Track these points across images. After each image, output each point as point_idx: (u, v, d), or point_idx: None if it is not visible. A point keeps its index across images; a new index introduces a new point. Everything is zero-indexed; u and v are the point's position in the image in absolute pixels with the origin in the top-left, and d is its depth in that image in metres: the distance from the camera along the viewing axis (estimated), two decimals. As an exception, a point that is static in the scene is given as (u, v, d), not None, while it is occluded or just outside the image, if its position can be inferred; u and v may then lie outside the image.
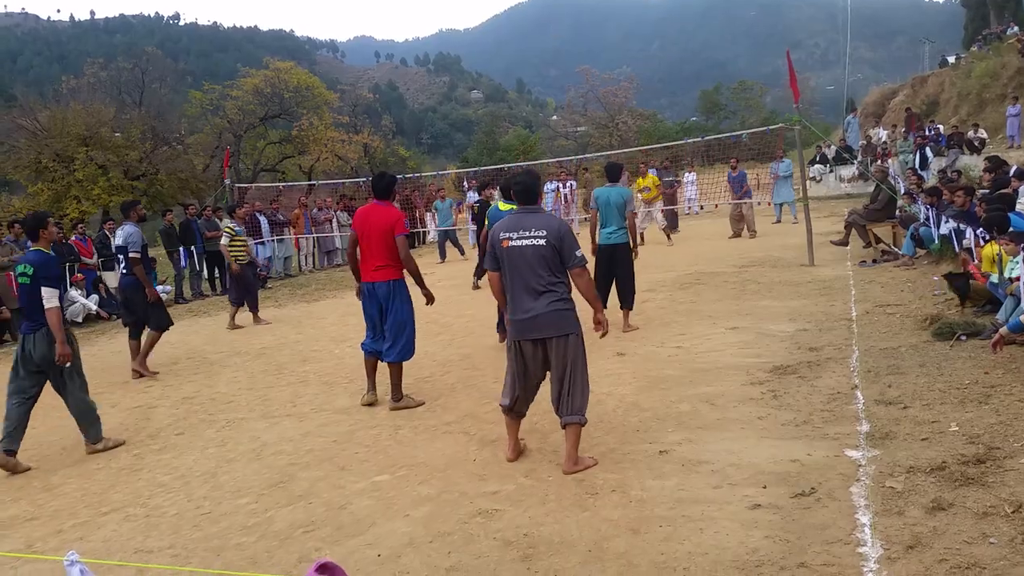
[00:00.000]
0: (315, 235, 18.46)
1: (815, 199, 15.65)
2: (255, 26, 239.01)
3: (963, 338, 6.06)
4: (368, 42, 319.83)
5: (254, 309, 10.91)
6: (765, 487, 3.79)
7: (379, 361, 6.00)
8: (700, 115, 64.17)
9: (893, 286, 8.91)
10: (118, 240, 8.19)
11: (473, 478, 4.33)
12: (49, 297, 5.33)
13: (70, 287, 12.71)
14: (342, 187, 24.75)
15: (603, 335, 4.53)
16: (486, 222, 8.35)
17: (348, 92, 52.55)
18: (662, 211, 16.21)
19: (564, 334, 4.22)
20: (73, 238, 13.75)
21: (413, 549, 3.54)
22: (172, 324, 8.50)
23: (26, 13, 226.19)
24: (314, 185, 27.58)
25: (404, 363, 5.96)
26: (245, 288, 10.79)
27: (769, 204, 18.16)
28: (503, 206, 8.19)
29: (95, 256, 13.84)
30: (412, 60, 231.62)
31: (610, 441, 4.66)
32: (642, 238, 16.07)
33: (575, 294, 4.33)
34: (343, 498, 4.25)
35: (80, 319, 12.56)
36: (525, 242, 4.21)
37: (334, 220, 19.02)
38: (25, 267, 5.43)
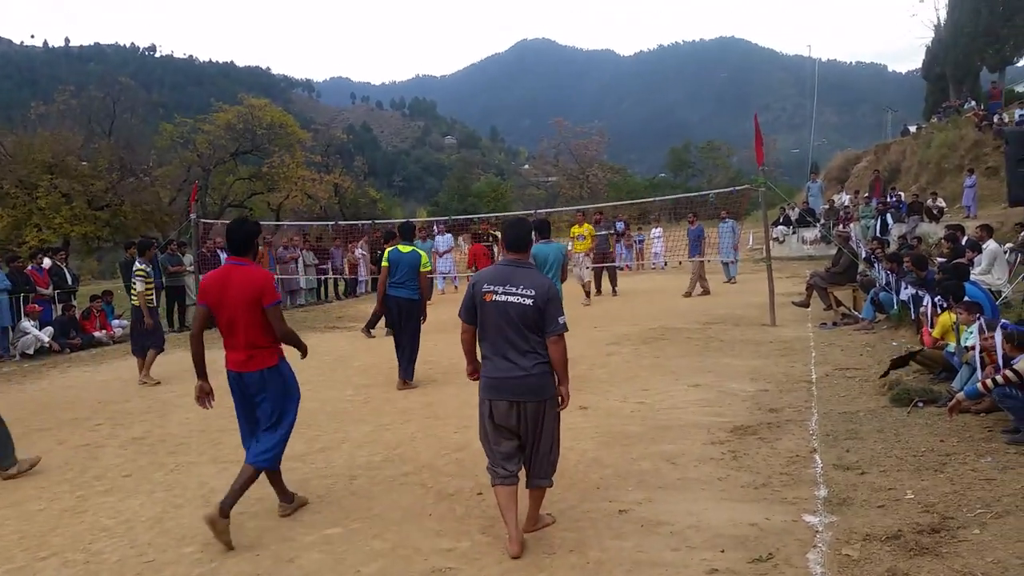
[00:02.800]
0: (279, 276, 18.27)
1: (778, 260, 15.96)
2: (231, 61, 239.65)
3: (920, 405, 6.15)
4: (344, 83, 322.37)
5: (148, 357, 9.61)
6: (723, 551, 3.76)
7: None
8: (669, 171, 65.52)
9: (853, 349, 9.04)
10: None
11: (429, 533, 4.23)
12: None
13: (24, 318, 12.39)
14: (310, 228, 24.64)
15: (560, 408, 4.10)
16: (385, 264, 8.44)
17: (322, 131, 52.76)
18: (590, 267, 15.80)
19: (544, 398, 3.98)
20: (29, 267, 13.43)
21: (362, 607, 3.43)
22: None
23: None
24: (281, 225, 27.39)
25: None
26: (154, 333, 9.67)
27: (707, 261, 18.38)
28: (403, 248, 8.41)
29: (50, 286, 13.53)
30: (388, 103, 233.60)
31: (570, 498, 4.61)
32: (591, 287, 16.06)
33: None
34: (292, 551, 4.12)
35: (31, 351, 12.20)
36: (511, 298, 3.92)
37: (300, 260, 18.88)
38: None
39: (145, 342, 9.53)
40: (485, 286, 4.00)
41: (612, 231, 20.98)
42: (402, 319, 8.35)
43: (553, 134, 57.27)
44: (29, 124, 34.82)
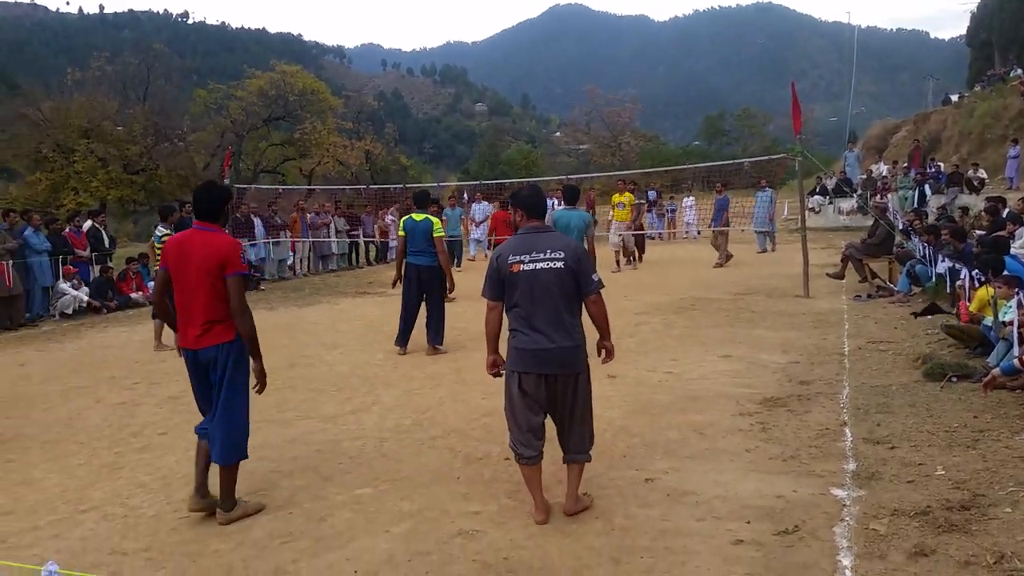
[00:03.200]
0: (311, 239, 18.44)
1: (813, 230, 15.70)
2: (263, 28, 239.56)
3: (954, 380, 6.05)
4: (375, 50, 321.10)
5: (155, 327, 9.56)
6: (749, 522, 3.76)
7: None
8: (703, 140, 64.59)
9: (887, 322, 8.92)
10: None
11: (456, 496, 4.29)
12: None
13: (61, 279, 12.66)
14: (341, 194, 24.76)
15: (606, 361, 4.10)
16: (401, 234, 8.52)
17: (353, 98, 52.70)
18: (623, 234, 15.67)
19: (577, 372, 3.85)
20: (67, 230, 13.68)
21: (391, 568, 3.50)
22: None
23: (35, 4, 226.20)
24: (313, 190, 27.56)
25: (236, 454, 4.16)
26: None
27: (743, 231, 18.21)
28: (416, 216, 8.44)
29: (87, 248, 13.79)
30: (419, 70, 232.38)
31: (597, 466, 4.62)
32: (637, 255, 16.06)
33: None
34: (324, 510, 4.20)
35: (70, 311, 12.48)
36: (541, 265, 3.74)
37: (331, 225, 19.01)
38: None
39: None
40: (511, 257, 3.81)
41: (643, 200, 20.81)
42: (423, 286, 8.40)
43: (585, 101, 56.66)
44: (66, 90, 35.33)
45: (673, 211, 24.49)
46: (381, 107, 65.73)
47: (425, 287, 8.41)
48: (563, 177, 27.10)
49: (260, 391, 4.17)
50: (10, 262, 11.61)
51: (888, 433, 4.97)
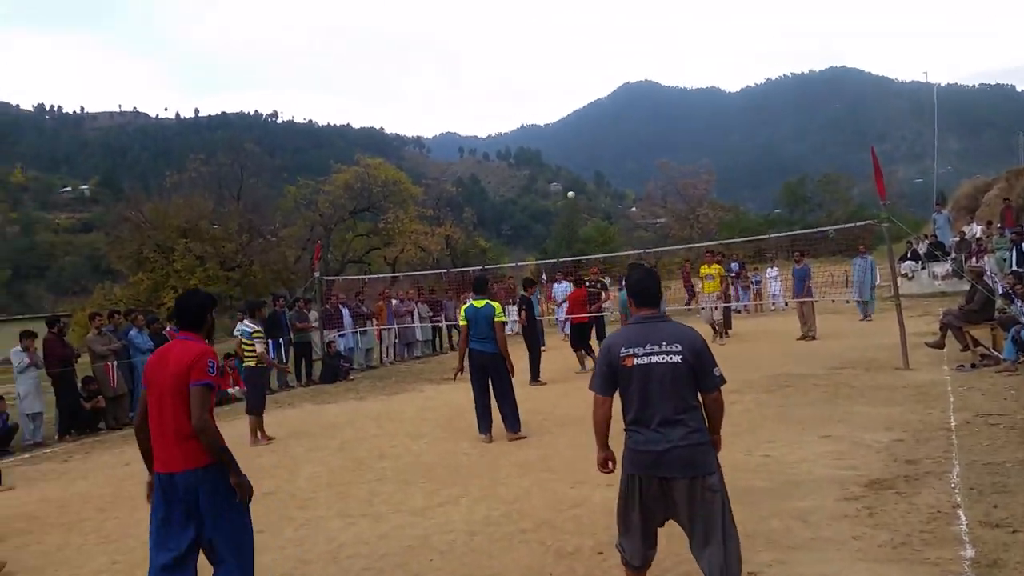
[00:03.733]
0: (396, 326, 18.84)
1: (907, 297, 15.11)
2: (348, 124, 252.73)
3: (1079, 455, 5.63)
4: (452, 138, 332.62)
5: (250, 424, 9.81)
6: (863, 620, 3.54)
7: None
8: (784, 208, 63.65)
9: (994, 393, 8.41)
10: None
11: (550, 594, 4.20)
12: None
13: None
14: (424, 279, 25.35)
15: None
16: (463, 323, 8.57)
17: (432, 186, 54.46)
18: (718, 306, 15.61)
19: (703, 474, 3.45)
20: (168, 328, 14.39)
21: (487, 672, 3.43)
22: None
23: (136, 112, 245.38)
24: (397, 277, 28.32)
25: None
26: (261, 394, 10.03)
27: (847, 302, 17.71)
28: (476, 303, 8.47)
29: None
30: (494, 155, 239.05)
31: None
32: (725, 331, 15.75)
33: None
34: (418, 609, 4.17)
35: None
36: (657, 359, 3.47)
37: (415, 312, 19.41)
38: None
39: (251, 403, 9.85)
40: (623, 350, 3.55)
41: (729, 272, 20.54)
42: (488, 373, 8.43)
43: (659, 176, 56.93)
44: (164, 192, 37.85)
45: (758, 283, 24.02)
46: (459, 193, 67.62)
47: (491, 373, 8.44)
48: (641, 251, 27.05)
49: (244, 500, 3.77)
50: (115, 363, 12.26)
51: (1007, 515, 4.64)
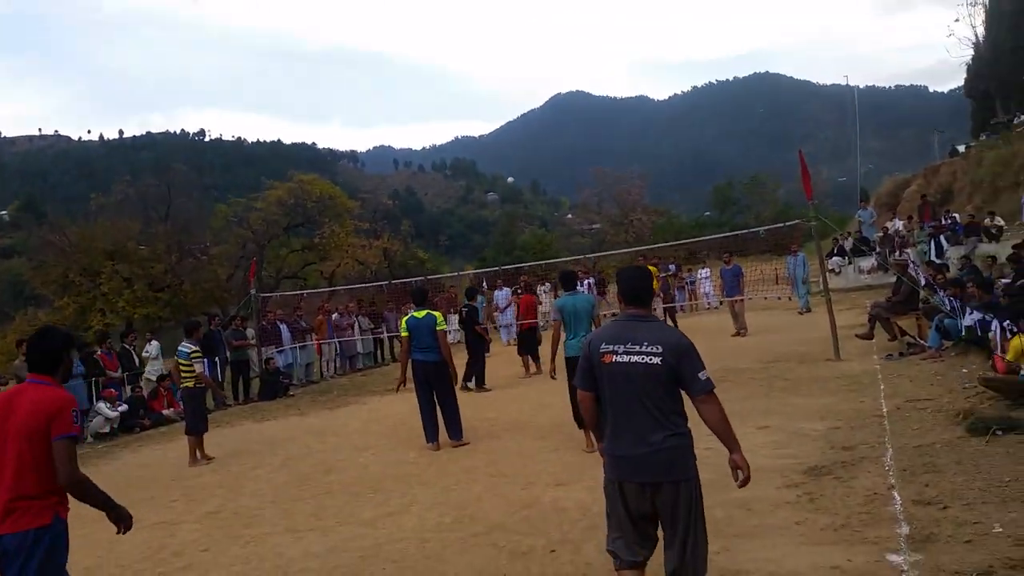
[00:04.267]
0: (337, 340, 18.59)
1: (836, 291, 15.60)
2: (278, 140, 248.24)
3: (999, 433, 5.93)
4: (387, 151, 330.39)
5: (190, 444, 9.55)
6: (808, 598, 3.65)
7: None
8: (714, 210, 65.15)
9: (922, 379, 8.79)
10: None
11: (505, 594, 4.21)
12: None
13: (98, 401, 12.80)
14: (364, 292, 25.10)
15: (744, 483, 3.53)
16: (405, 334, 8.59)
17: (368, 199, 53.99)
18: (658, 307, 16.16)
19: (680, 479, 3.34)
20: (99, 352, 13.92)
21: (446, 674, 3.42)
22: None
23: (58, 135, 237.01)
24: (336, 291, 27.97)
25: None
26: (202, 415, 9.76)
27: (790, 298, 18.31)
28: (417, 314, 8.55)
29: (119, 369, 14.00)
30: (429, 166, 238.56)
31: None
32: None
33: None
34: (372, 618, 4.14)
35: (106, 429, 12.57)
36: (635, 358, 3.33)
37: (355, 325, 19.19)
38: None
39: (191, 424, 9.56)
40: (603, 346, 3.43)
41: (667, 271, 20.98)
42: (431, 382, 8.45)
43: (593, 183, 57.69)
44: (90, 215, 36.53)
45: (692, 283, 24.55)
46: (396, 205, 67.26)
47: (434, 383, 8.46)
48: (577, 257, 27.35)
49: (125, 532, 3.66)
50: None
51: (938, 493, 4.86)
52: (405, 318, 8.74)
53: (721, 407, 3.43)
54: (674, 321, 17.46)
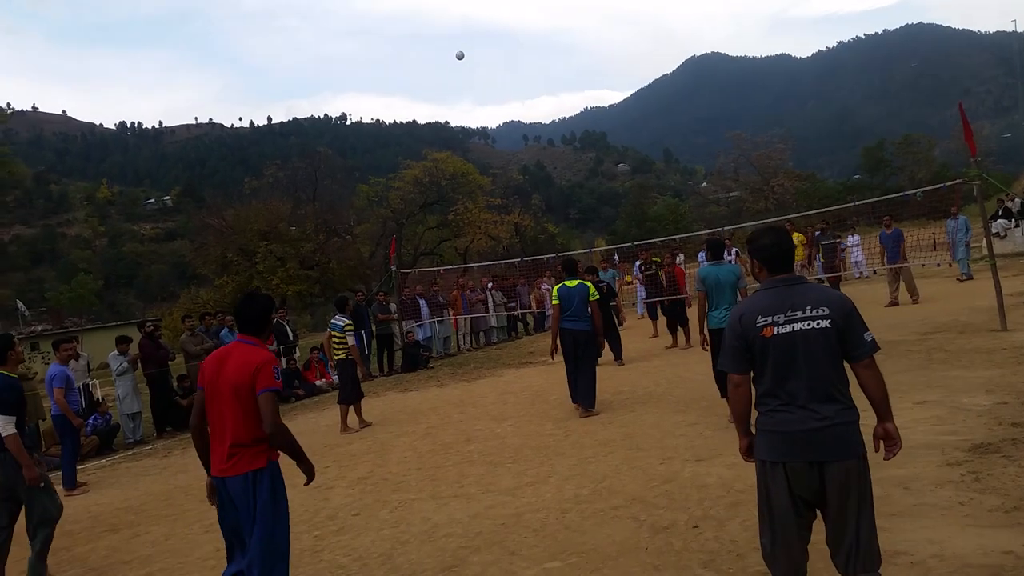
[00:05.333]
0: (471, 315, 19.01)
1: (1001, 257, 14.35)
2: (414, 120, 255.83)
3: None
4: (517, 126, 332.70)
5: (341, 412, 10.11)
6: (977, 585, 3.41)
7: None
8: (864, 173, 61.42)
9: (1108, 351, 7.94)
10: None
11: (647, 568, 4.18)
12: (4, 424, 5.16)
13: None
14: (496, 267, 25.50)
15: (888, 456, 3.19)
16: (556, 302, 8.74)
17: (499, 175, 54.70)
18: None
19: (854, 456, 3.01)
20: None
21: (589, 642, 3.44)
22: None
23: (212, 123, 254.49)
24: (470, 267, 28.60)
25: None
26: (356, 383, 10.17)
27: (950, 264, 16.99)
28: (569, 283, 8.69)
29: (275, 343, 14.93)
30: (559, 139, 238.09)
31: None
32: None
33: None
34: (515, 585, 4.22)
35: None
36: (801, 325, 3.03)
37: (488, 300, 19.54)
38: None
39: (345, 393, 10.04)
40: (759, 319, 3.09)
41: (835, 239, 19.96)
42: (578, 350, 8.64)
43: (731, 149, 55.62)
44: (243, 198, 39.15)
45: (843, 250, 23.21)
46: (526, 180, 67.78)
47: (581, 350, 8.66)
48: (714, 229, 26.54)
49: (308, 483, 4.02)
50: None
51: None
52: (556, 287, 8.94)
53: (880, 374, 3.12)
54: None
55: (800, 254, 15.13)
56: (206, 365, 3.86)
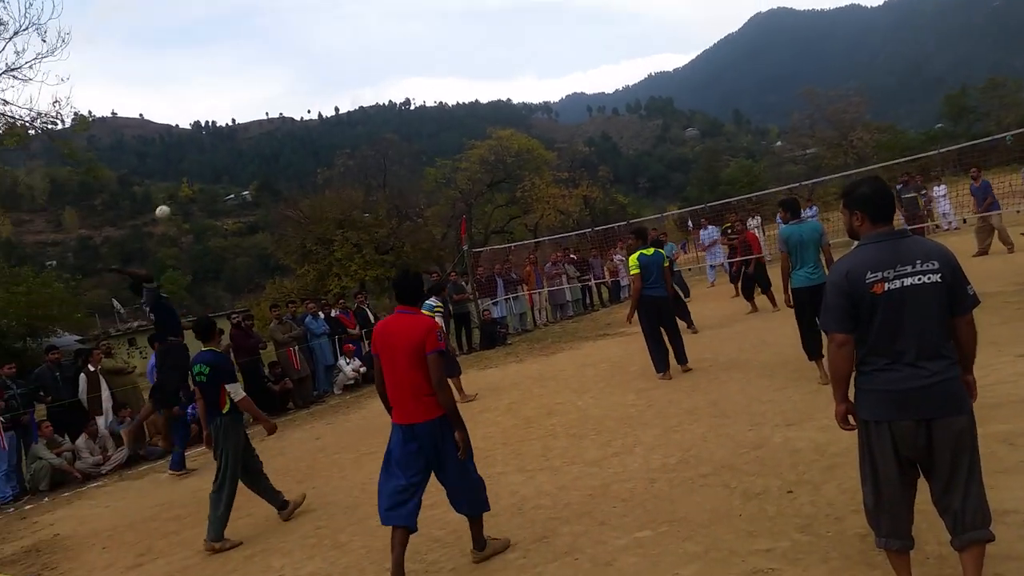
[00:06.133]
0: (547, 289, 19.02)
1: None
2: (476, 100, 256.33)
3: None
4: (580, 98, 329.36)
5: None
6: (1097, 542, 3.24)
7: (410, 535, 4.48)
8: (946, 121, 58.59)
9: None
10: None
11: (741, 534, 4.13)
12: (235, 389, 6.02)
13: (341, 356, 14.10)
14: (568, 241, 25.40)
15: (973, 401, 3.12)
16: (636, 271, 8.98)
17: (564, 149, 54.27)
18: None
19: (964, 412, 2.97)
20: (337, 312, 15.26)
21: (687, 609, 3.43)
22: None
23: (283, 117, 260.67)
24: (541, 242, 28.59)
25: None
26: (451, 359, 10.53)
27: None
28: (646, 251, 8.98)
29: (357, 327, 15.27)
30: (623, 108, 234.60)
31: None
32: None
33: None
34: (608, 554, 4.23)
35: (351, 382, 13.86)
36: (912, 280, 2.96)
37: (563, 274, 19.50)
38: (201, 368, 6.04)
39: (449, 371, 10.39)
40: (869, 275, 3.00)
41: (921, 192, 19.19)
42: (662, 316, 8.98)
43: (804, 105, 53.67)
44: (317, 188, 40.03)
45: (928, 203, 22.18)
46: (592, 152, 66.94)
47: (663, 315, 8.99)
48: (791, 186, 25.74)
49: (462, 457, 4.35)
50: (296, 347, 13.17)
51: None
52: (634, 256, 9.13)
53: (976, 327, 3.08)
54: None
55: None
56: (375, 335, 4.54)
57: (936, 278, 2.95)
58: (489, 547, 4.60)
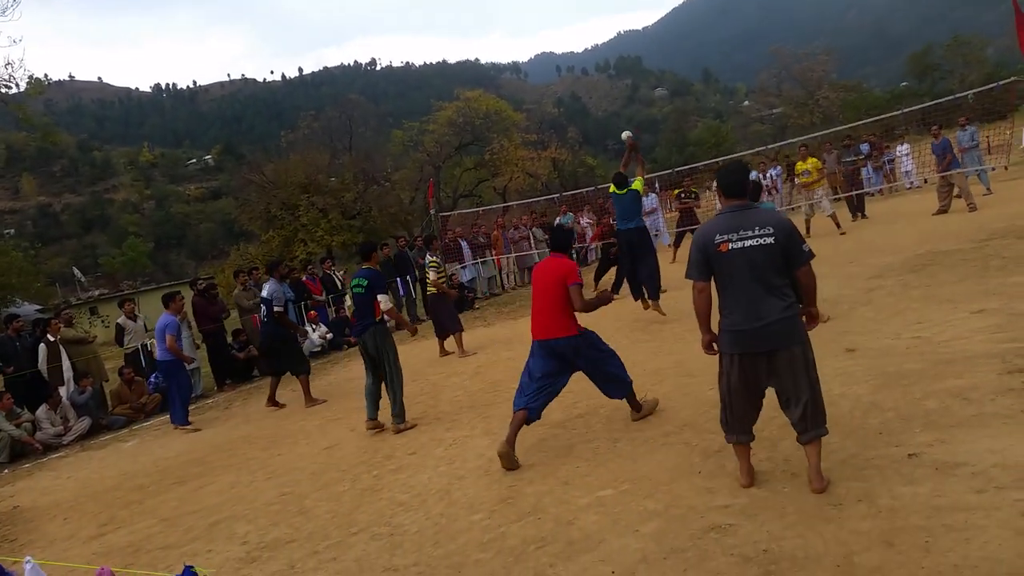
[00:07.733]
0: (514, 254, 18.98)
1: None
2: (444, 60, 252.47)
3: None
4: (549, 58, 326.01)
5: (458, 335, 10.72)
6: (1042, 492, 3.33)
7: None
8: (911, 80, 59.02)
9: None
10: (263, 293, 9.79)
11: (700, 491, 4.19)
12: (385, 300, 7.07)
13: (306, 324, 13.99)
14: (536, 205, 25.31)
15: (810, 327, 4.00)
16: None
17: (533, 110, 54.04)
18: (829, 197, 15.12)
19: (798, 343, 3.83)
20: (304, 278, 15.09)
21: (647, 566, 3.49)
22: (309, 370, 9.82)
23: (245, 78, 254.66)
24: (510, 206, 28.46)
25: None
26: (452, 315, 10.82)
27: (1006, 168, 16.31)
28: (619, 191, 9.44)
29: (323, 292, 15.13)
30: (592, 68, 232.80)
31: (849, 447, 4.33)
32: (807, 229, 14.82)
33: None
34: (570, 513, 4.28)
35: (318, 349, 13.76)
36: (749, 242, 3.79)
37: (530, 237, 19.46)
38: (360, 280, 7.16)
39: (447, 325, 10.68)
40: (717, 236, 3.86)
41: (860, 155, 19.40)
42: (633, 249, 9.40)
43: (772, 64, 53.69)
44: (281, 151, 39.27)
45: (890, 162, 22.44)
46: (561, 113, 66.67)
47: (636, 247, 9.39)
48: (759, 149, 25.80)
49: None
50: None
51: None
52: (612, 189, 9.62)
53: (814, 276, 3.94)
54: (862, 208, 16.52)
55: (818, 181, 14.68)
56: (536, 269, 5.84)
57: (770, 240, 3.76)
58: (645, 408, 5.77)
